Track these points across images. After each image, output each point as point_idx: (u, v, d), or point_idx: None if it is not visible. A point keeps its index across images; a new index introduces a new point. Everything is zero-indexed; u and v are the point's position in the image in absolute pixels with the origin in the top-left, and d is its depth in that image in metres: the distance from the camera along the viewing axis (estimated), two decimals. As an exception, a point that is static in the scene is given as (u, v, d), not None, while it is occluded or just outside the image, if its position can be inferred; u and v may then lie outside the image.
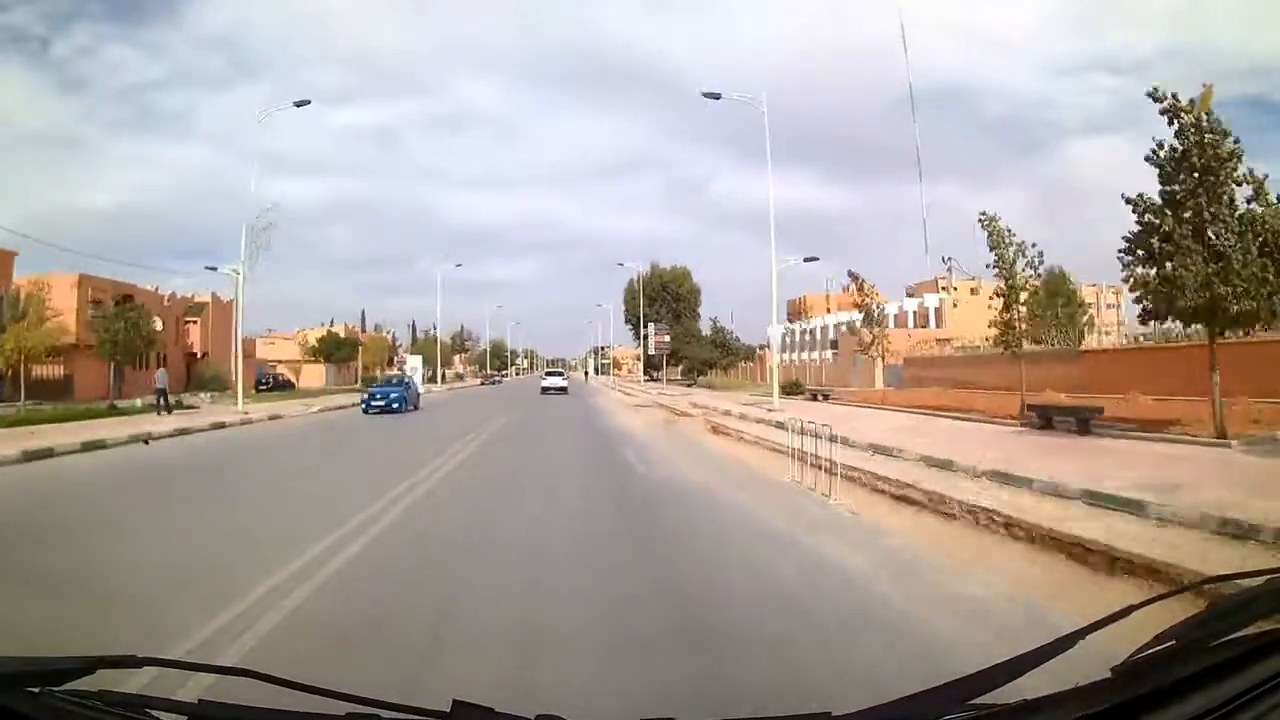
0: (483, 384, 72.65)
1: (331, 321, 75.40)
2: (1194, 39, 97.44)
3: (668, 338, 53.88)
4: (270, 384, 48.66)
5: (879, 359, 32.69)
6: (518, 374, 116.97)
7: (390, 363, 69.43)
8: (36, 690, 1.05)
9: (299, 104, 26.52)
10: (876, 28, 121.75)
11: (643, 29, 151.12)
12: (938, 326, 55.52)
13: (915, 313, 62.64)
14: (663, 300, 64.59)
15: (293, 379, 47.26)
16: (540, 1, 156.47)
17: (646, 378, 65.47)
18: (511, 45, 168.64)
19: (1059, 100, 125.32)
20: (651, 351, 54.08)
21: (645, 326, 58.61)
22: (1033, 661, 1.08)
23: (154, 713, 1.09)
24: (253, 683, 1.16)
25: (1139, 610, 1.21)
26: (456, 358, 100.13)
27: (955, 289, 55.57)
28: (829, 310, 75.92)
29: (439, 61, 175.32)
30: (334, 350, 60.84)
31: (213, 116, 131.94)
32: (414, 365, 48.58)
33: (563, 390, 44.66)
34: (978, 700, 1.03)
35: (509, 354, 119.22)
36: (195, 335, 49.36)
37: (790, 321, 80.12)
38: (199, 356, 47.72)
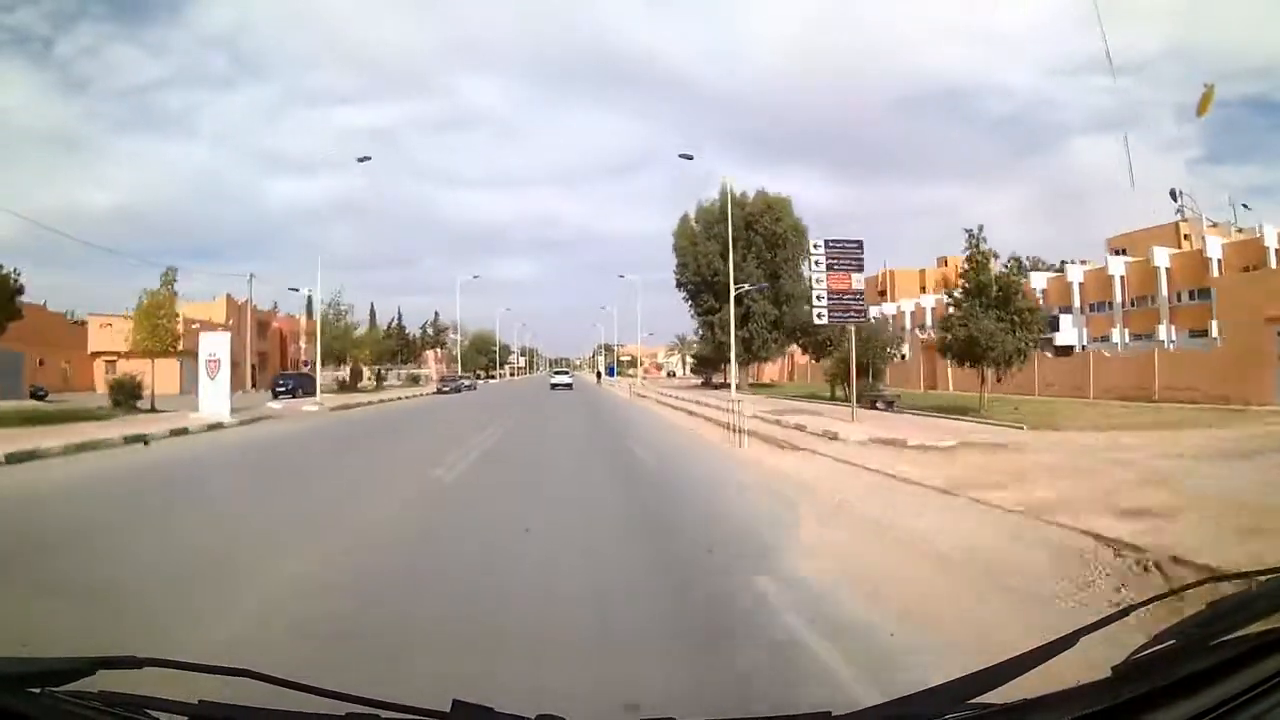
0: (440, 392, 45.16)
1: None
2: (1197, 39, 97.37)
3: (859, 282, 18.28)
4: None
5: None
6: (513, 375, 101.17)
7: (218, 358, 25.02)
8: (37, 690, 1.05)
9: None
10: (879, 28, 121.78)
11: (644, 26, 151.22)
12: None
13: (1222, 258, 37.26)
14: (748, 244, 38.25)
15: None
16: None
17: (710, 383, 42.16)
18: (512, 43, 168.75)
19: (1061, 100, 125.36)
20: (821, 318, 18.70)
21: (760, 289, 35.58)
22: (1033, 661, 1.08)
23: (154, 713, 1.09)
24: (253, 683, 1.16)
25: (1139, 610, 1.22)
26: (431, 353, 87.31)
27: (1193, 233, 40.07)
28: (923, 289, 57.23)
29: (440, 60, 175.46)
30: None
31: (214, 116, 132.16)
32: (213, 353, 22.38)
33: (568, 387, 45.00)
34: (978, 700, 1.03)
35: (497, 349, 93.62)
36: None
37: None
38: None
